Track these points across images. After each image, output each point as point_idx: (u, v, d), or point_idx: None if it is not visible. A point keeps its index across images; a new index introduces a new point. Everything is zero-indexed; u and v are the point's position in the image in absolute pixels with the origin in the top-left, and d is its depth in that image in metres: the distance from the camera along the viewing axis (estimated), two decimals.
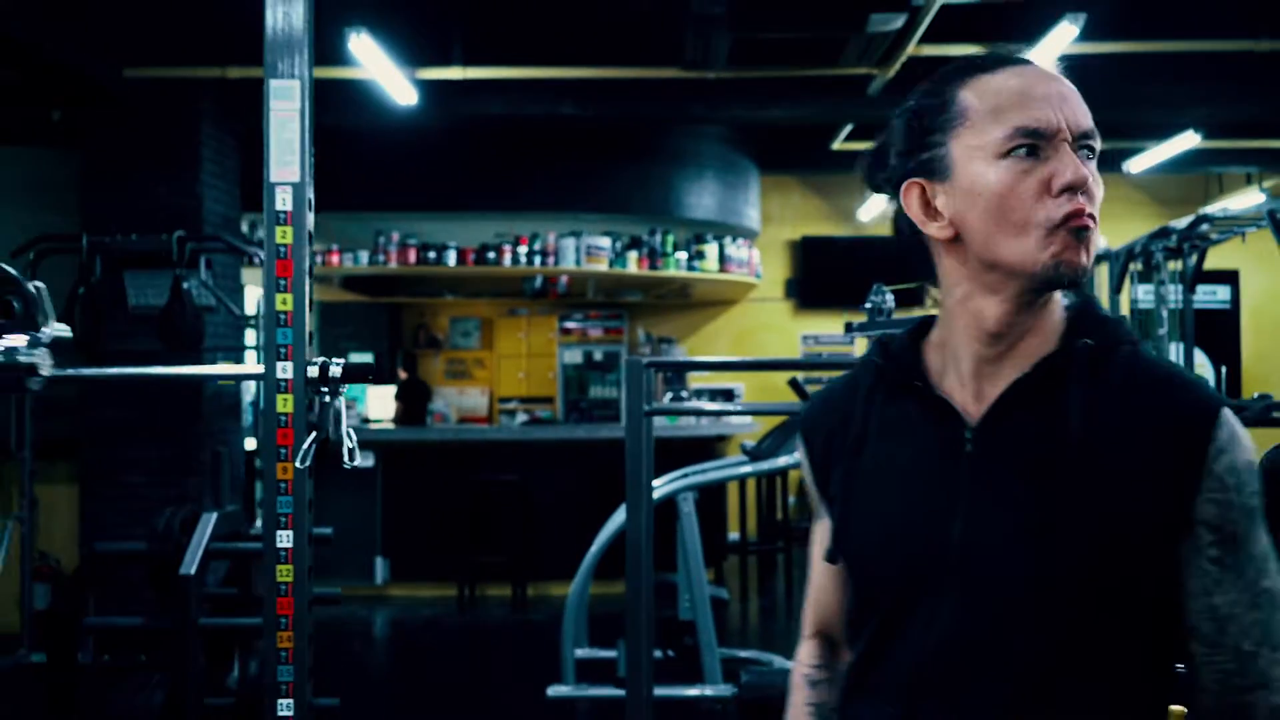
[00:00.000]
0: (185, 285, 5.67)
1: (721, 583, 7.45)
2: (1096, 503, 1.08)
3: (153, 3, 5.76)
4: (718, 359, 9.24)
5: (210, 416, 6.41)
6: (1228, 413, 1.11)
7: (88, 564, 6.26)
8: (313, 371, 2.01)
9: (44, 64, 5.96)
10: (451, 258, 8.19)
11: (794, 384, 7.03)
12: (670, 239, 8.56)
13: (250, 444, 6.89)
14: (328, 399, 2.02)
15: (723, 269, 8.81)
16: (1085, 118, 1.13)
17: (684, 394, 8.87)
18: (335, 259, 8.01)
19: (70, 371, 2.43)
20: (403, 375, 9.64)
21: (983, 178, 1.11)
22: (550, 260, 8.23)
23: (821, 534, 1.31)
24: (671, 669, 4.61)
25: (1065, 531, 1.08)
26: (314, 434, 2.00)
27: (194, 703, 3.19)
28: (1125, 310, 8.96)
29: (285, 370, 2.00)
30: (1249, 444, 1.12)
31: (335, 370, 2.00)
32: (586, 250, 8.20)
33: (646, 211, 8.28)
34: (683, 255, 8.62)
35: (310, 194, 2.05)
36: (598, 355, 10.08)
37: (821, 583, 1.35)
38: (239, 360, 6.77)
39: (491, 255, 8.23)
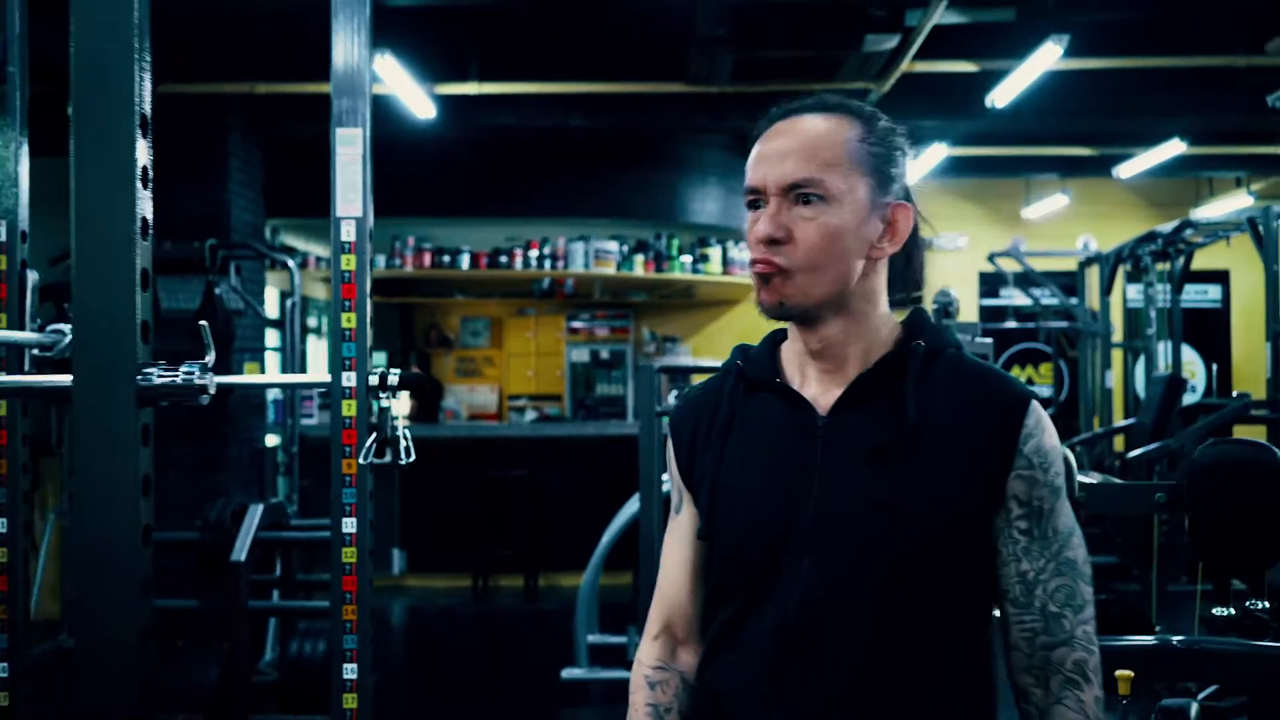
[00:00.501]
0: (217, 290, 5.98)
1: None
2: (929, 480, 1.27)
3: (185, 24, 6.07)
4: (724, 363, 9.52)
5: (238, 416, 6.72)
6: (1035, 404, 1.32)
7: None
8: (373, 380, 2.32)
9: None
10: (465, 261, 8.50)
11: None
12: (675, 243, 8.87)
13: (271, 440, 7.19)
14: (385, 404, 2.32)
15: (726, 271, 9.11)
16: (796, 172, 1.29)
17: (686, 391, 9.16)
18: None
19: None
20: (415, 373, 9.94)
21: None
22: (560, 263, 8.54)
23: (679, 527, 1.47)
24: None
25: (904, 505, 1.27)
26: (374, 434, 2.31)
27: (245, 679, 3.51)
28: (1117, 310, 9.26)
29: (350, 379, 2.31)
30: (1053, 431, 1.32)
31: (392, 379, 2.31)
32: (595, 254, 8.51)
33: (652, 216, 8.58)
34: (687, 258, 8.93)
35: (370, 226, 2.37)
36: (604, 354, 10.37)
37: (672, 576, 1.47)
38: (261, 360, 7.09)
39: (503, 259, 8.54)
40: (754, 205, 1.35)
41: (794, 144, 1.32)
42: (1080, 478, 2.68)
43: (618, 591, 6.34)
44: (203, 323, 1.41)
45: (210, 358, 1.34)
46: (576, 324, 10.35)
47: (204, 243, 5.92)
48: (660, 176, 8.49)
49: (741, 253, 9.24)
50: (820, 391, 1.36)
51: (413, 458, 2.30)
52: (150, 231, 1.39)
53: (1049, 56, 5.51)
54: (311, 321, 9.46)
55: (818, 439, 1.33)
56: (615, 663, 5.10)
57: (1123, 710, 2.49)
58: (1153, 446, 4.97)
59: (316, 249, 9.00)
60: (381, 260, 8.37)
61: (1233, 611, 2.25)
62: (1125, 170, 8.80)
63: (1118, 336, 9.03)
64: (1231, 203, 9.82)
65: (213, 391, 1.32)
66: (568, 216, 8.38)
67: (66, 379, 1.38)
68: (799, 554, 1.29)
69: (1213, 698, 2.47)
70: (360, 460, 2.32)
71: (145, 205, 1.39)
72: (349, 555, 2.33)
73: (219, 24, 6.08)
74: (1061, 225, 10.40)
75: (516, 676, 5.93)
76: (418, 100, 6.20)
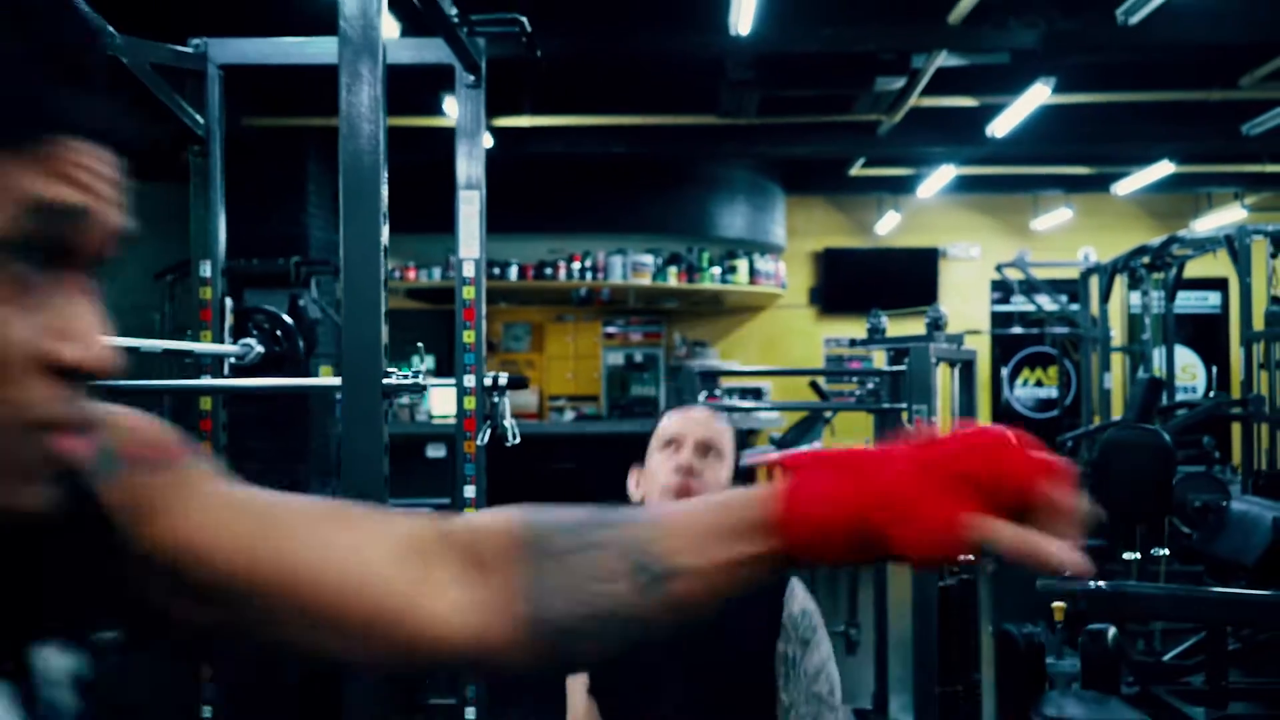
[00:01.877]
0: (300, 302, 6.75)
1: None
2: (730, 636, 1.93)
3: (270, 68, 6.85)
4: (753, 368, 10.18)
5: (315, 411, 7.50)
6: (794, 580, 2.04)
7: None
8: (487, 381, 3.07)
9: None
10: (513, 273, 9.26)
11: (813, 385, 8.10)
12: (705, 255, 9.60)
13: None
14: (496, 400, 3.07)
15: (752, 281, 9.83)
16: (708, 436, 2.05)
17: (717, 393, 9.89)
18: (411, 274, 9.10)
19: (304, 382, 3.52)
20: None
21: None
22: (600, 275, 9.30)
23: (578, 683, 2.08)
24: None
25: (718, 653, 1.93)
26: (488, 421, 3.05)
27: None
28: (1117, 316, 9.92)
29: (469, 381, 3.06)
30: (804, 595, 2.04)
31: (502, 381, 3.06)
32: (632, 266, 9.26)
33: (684, 231, 9.32)
34: (716, 270, 9.66)
35: (484, 264, 3.11)
36: (638, 357, 11.11)
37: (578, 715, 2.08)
38: (337, 364, 7.86)
39: (548, 270, 9.30)
40: (670, 445, 2.07)
41: (705, 422, 2.12)
42: None
43: None
44: (419, 344, 2.16)
45: (423, 367, 2.08)
46: (612, 329, 11.08)
47: (288, 259, 6.70)
48: (692, 195, 9.22)
49: (766, 264, 9.96)
50: None
51: (518, 439, 3.04)
52: (386, 285, 2.12)
53: (1040, 94, 6.22)
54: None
55: None
56: None
57: (1060, 634, 3.26)
58: (1079, 431, 5.71)
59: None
60: (437, 272, 9.14)
61: (1139, 555, 2.98)
62: (1122, 188, 9.48)
63: (1119, 341, 9.70)
64: (1227, 215, 10.45)
65: (427, 388, 2.06)
66: (607, 232, 9.13)
67: (336, 380, 2.13)
68: (660, 688, 1.99)
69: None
70: (478, 442, 3.06)
71: (384, 269, 2.12)
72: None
73: (296, 67, 6.85)
74: (1067, 236, 11.06)
75: None
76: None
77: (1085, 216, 11.00)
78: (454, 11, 2.67)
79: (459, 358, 3.08)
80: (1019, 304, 11.22)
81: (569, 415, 10.80)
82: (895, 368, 4.49)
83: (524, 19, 2.88)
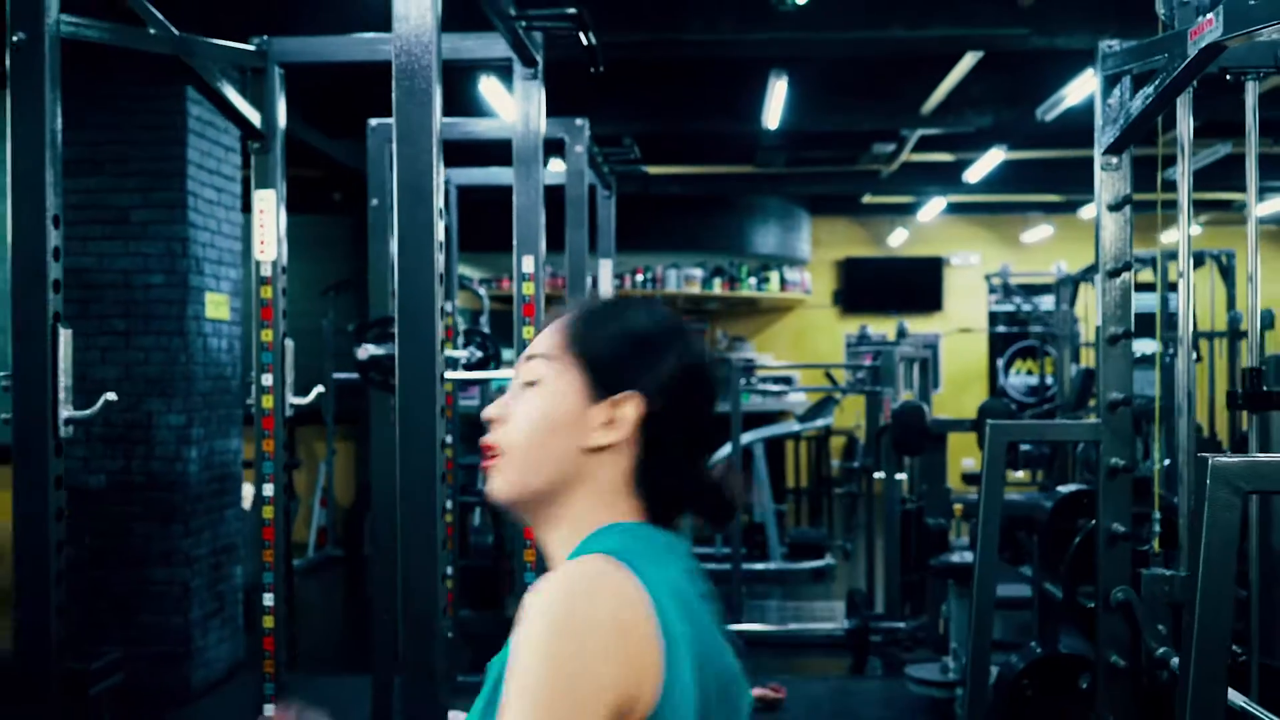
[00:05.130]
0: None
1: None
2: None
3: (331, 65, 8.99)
4: (783, 364, 12.25)
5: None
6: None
7: (363, 493, 9.57)
8: None
9: (333, 164, 9.21)
10: (586, 284, 11.38)
11: (828, 374, 10.16)
12: (744, 268, 11.68)
13: None
14: None
15: (783, 288, 11.91)
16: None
17: (751, 380, 11.98)
18: (505, 284, 11.22)
19: (471, 374, 5.64)
20: None
21: None
22: (657, 285, 11.41)
23: None
24: (750, 554, 7.79)
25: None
26: None
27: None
28: (1087, 324, 11.86)
29: None
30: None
31: None
32: (684, 277, 11.36)
33: (726, 249, 11.40)
34: (753, 279, 11.74)
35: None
36: None
37: None
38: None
39: (616, 282, 11.42)
40: None
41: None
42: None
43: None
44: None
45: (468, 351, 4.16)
46: None
47: None
48: (733, 220, 11.30)
49: (794, 274, 12.05)
50: None
51: None
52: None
53: (996, 156, 8.25)
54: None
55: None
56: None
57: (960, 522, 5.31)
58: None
59: (479, 274, 11.91)
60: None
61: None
62: (1086, 213, 11.47)
63: (1088, 338, 11.68)
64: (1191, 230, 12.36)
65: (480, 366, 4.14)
66: (664, 250, 11.23)
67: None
68: None
69: None
70: None
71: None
72: None
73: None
74: (1051, 247, 13.01)
75: None
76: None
77: (1063, 231, 12.96)
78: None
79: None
80: (1010, 306, 13.22)
81: None
82: (875, 363, 6.56)
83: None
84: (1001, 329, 12.90)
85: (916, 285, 13.09)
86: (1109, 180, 2.93)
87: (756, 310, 13.03)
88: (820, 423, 8.39)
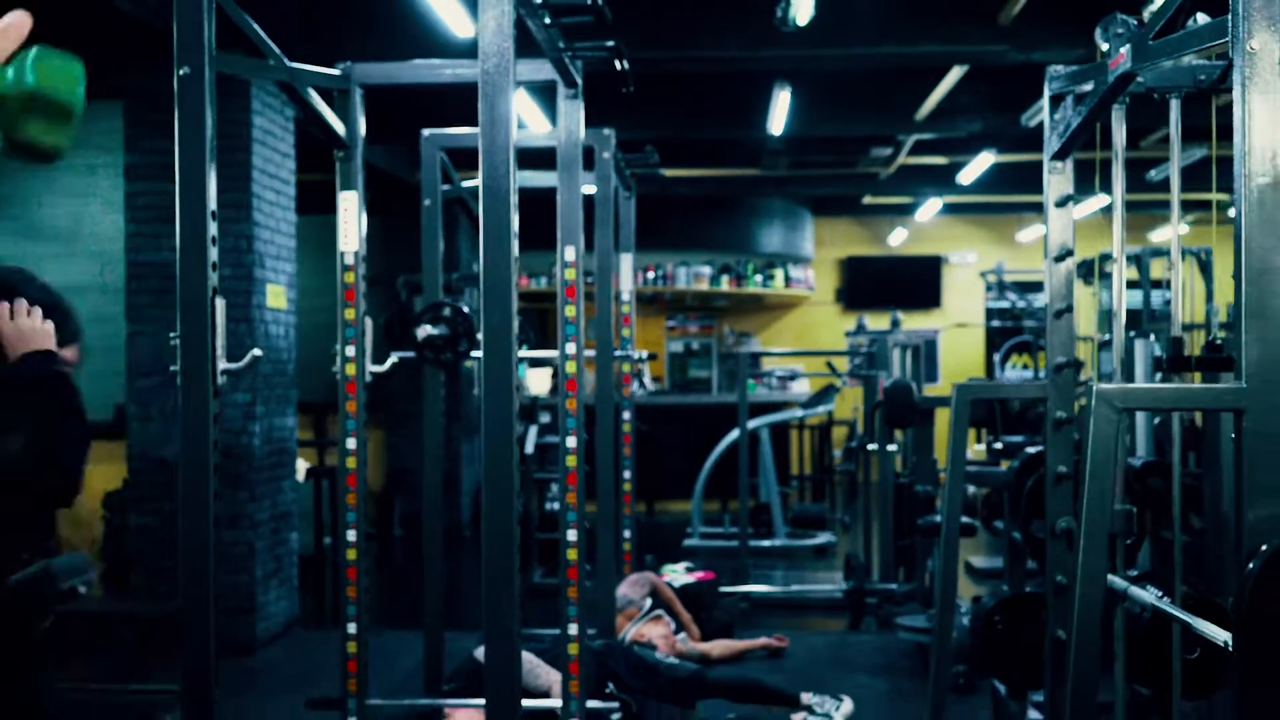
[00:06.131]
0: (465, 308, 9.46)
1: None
2: None
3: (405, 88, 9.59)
4: (787, 350, 12.81)
5: (463, 379, 10.22)
6: None
7: (392, 478, 10.16)
8: (638, 355, 5.73)
9: (377, 170, 9.80)
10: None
11: (829, 365, 10.71)
12: (750, 266, 12.26)
13: None
14: (641, 366, 5.76)
15: (787, 285, 12.49)
16: None
17: (764, 376, 12.56)
18: (525, 282, 11.81)
19: (536, 354, 6.22)
20: None
21: None
22: (668, 282, 11.98)
23: None
24: (758, 532, 8.38)
25: None
26: (639, 376, 5.73)
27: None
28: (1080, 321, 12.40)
29: (571, 349, 5.53)
30: None
31: (645, 354, 5.74)
32: (693, 275, 11.94)
33: (733, 247, 11.98)
34: (759, 277, 12.32)
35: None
36: (695, 346, 13.75)
37: None
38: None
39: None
40: None
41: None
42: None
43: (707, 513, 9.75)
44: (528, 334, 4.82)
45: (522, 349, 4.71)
46: (672, 323, 13.73)
47: (448, 275, 9.41)
48: (740, 220, 11.88)
49: (798, 271, 12.62)
50: None
51: (650, 388, 5.72)
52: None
53: (987, 159, 8.82)
54: None
55: None
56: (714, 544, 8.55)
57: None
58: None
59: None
60: (544, 280, 11.84)
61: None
62: (1078, 212, 12.03)
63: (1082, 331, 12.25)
64: (1181, 229, 12.91)
65: (535, 359, 4.69)
66: (675, 249, 11.81)
67: (554, 353, 4.80)
68: None
69: None
70: (633, 388, 5.73)
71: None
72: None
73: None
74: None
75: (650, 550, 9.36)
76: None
77: None
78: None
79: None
80: (1005, 302, 13.78)
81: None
82: (870, 348, 7.13)
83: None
84: (997, 324, 13.47)
85: (916, 283, 13.67)
86: (1055, 181, 3.49)
87: (763, 306, 13.60)
88: (822, 409, 8.97)
